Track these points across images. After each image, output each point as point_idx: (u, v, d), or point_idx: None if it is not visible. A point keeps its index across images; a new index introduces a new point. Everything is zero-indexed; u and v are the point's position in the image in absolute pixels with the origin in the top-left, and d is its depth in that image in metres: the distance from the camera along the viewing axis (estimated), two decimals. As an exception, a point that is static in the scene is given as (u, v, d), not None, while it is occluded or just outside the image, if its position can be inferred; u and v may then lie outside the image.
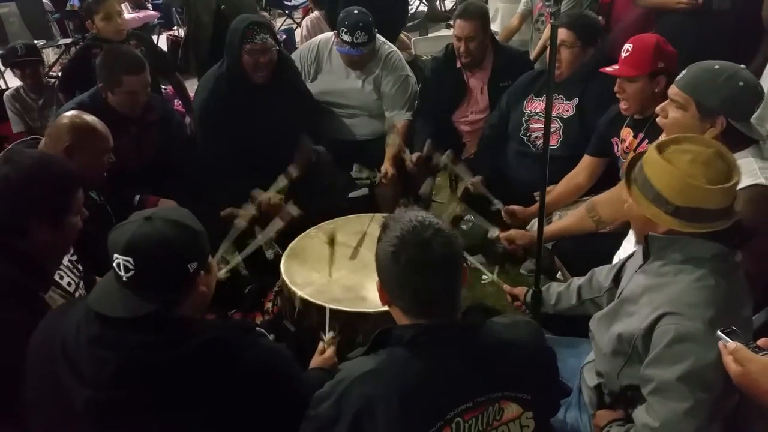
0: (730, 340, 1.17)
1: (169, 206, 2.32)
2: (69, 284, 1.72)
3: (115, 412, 1.16)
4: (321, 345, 1.82)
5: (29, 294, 1.52)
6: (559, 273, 2.46)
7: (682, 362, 1.29)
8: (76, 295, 1.73)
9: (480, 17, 2.97)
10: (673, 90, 1.79)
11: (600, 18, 3.09)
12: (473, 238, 3.27)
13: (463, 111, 3.21)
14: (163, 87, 3.99)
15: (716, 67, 1.73)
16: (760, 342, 1.15)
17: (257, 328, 1.40)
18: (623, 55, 2.22)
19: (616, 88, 2.27)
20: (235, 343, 1.24)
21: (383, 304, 1.29)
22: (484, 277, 2.30)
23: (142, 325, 1.18)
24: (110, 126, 2.16)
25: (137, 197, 2.53)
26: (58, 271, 1.69)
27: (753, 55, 2.76)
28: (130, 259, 1.18)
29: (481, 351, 1.22)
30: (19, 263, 1.51)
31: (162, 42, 6.15)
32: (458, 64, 3.10)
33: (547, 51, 2.62)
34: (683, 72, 1.79)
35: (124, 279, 1.19)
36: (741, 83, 1.69)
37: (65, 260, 1.74)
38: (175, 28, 6.73)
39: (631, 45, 2.20)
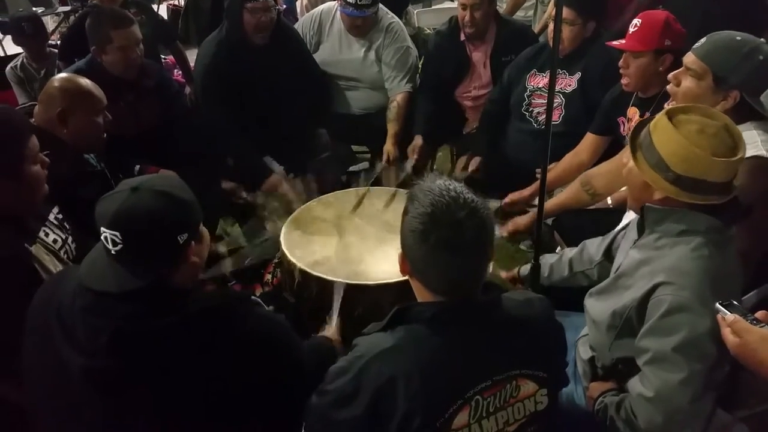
0: (729, 313, 1.18)
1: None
2: (55, 241, 1.71)
3: (110, 381, 1.15)
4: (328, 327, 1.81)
5: (15, 248, 1.52)
6: (558, 248, 2.45)
7: (677, 333, 1.30)
8: (62, 251, 1.72)
9: None
10: (689, 58, 1.75)
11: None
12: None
13: (466, 86, 3.18)
14: (163, 57, 3.95)
15: (738, 38, 1.70)
16: (759, 315, 1.16)
17: (253, 297, 1.40)
18: (631, 29, 2.19)
19: (620, 63, 2.24)
20: (232, 312, 1.23)
21: (403, 275, 1.25)
22: None
23: (133, 295, 1.16)
24: (106, 91, 2.15)
25: (137, 167, 2.52)
26: (44, 228, 1.68)
27: (760, 34, 2.71)
28: (117, 233, 1.15)
29: (499, 329, 1.22)
30: None
31: (162, 11, 6.07)
32: (462, 38, 3.07)
33: (549, 27, 2.62)
34: (702, 40, 1.75)
35: (113, 252, 1.17)
36: (761, 57, 1.66)
37: (51, 217, 1.74)
38: (177, -2, 6.64)
39: (640, 20, 2.18)
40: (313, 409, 1.20)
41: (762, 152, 1.67)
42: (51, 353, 1.19)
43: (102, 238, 1.18)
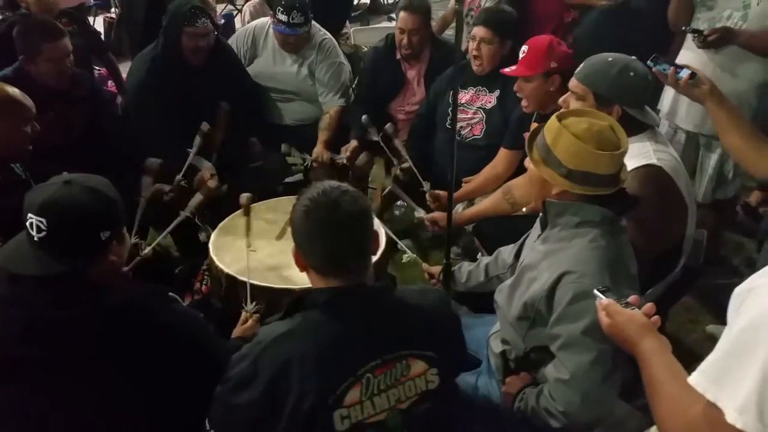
0: (604, 297, 1.31)
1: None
2: None
3: (23, 370, 1.17)
4: (243, 315, 1.88)
5: None
6: (479, 254, 2.58)
7: (584, 318, 1.42)
8: None
9: (423, 11, 3.10)
10: (572, 82, 1.94)
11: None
12: (404, 223, 3.38)
13: (400, 101, 3.31)
14: (96, 69, 3.92)
15: (609, 59, 1.89)
16: (630, 299, 1.30)
17: (171, 294, 1.44)
18: (521, 55, 2.37)
19: (515, 87, 2.43)
20: (148, 304, 1.27)
21: (300, 270, 1.35)
22: (405, 256, 2.40)
23: (51, 284, 1.19)
24: (35, 100, 2.14)
25: (65, 174, 2.50)
26: None
27: (666, 53, 2.94)
28: (43, 220, 1.19)
29: (390, 312, 1.32)
30: None
31: (99, 24, 5.99)
32: (398, 56, 3.20)
33: (470, 46, 2.77)
34: (581, 65, 1.94)
35: (35, 239, 1.20)
36: (632, 73, 1.85)
37: None
38: (113, 9, 6.55)
39: (527, 47, 2.37)
40: (216, 397, 1.25)
41: (653, 161, 1.85)
42: None
43: (27, 224, 1.20)
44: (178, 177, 2.62)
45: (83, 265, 1.24)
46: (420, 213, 2.60)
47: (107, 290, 1.25)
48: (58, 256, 1.21)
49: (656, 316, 1.25)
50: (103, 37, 4.63)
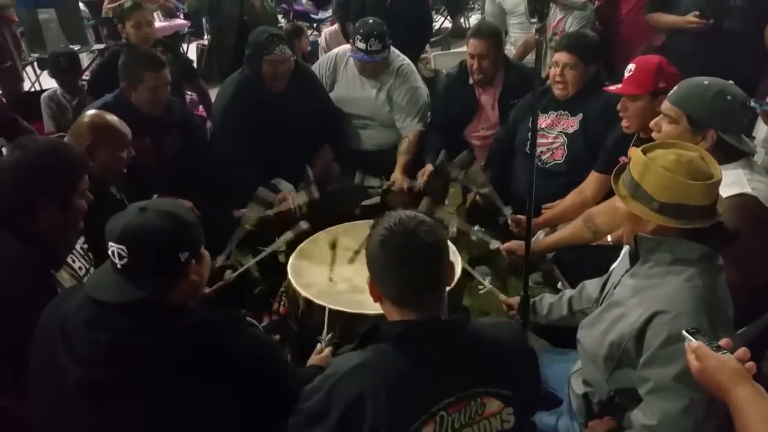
0: (693, 339, 1.23)
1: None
2: (80, 268, 1.81)
3: (106, 391, 1.22)
4: (319, 345, 1.89)
5: (41, 272, 1.61)
6: (560, 283, 2.50)
7: (677, 362, 1.33)
8: (85, 279, 1.81)
9: (492, 36, 3.08)
10: (665, 105, 1.86)
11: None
12: (479, 249, 3.33)
13: (475, 126, 3.29)
14: (188, 93, 4.14)
15: (705, 82, 1.80)
16: (722, 342, 1.21)
17: (248, 318, 1.47)
18: (626, 74, 2.28)
19: (619, 106, 2.32)
20: (224, 330, 1.30)
21: (375, 301, 1.35)
22: (480, 286, 2.36)
23: (133, 309, 1.24)
24: (132, 126, 2.27)
25: (155, 197, 2.64)
26: (71, 255, 1.78)
27: (761, 77, 2.79)
28: (123, 247, 1.24)
29: (464, 347, 1.28)
30: (31, 243, 1.61)
31: (192, 50, 6.33)
32: (471, 81, 3.19)
33: (552, 71, 2.72)
34: (675, 88, 1.86)
35: (118, 266, 1.26)
36: (729, 97, 1.76)
37: (77, 246, 1.84)
38: (205, 37, 6.91)
39: (634, 65, 2.27)
40: (289, 429, 1.25)
41: (747, 190, 1.75)
42: (52, 365, 1.26)
43: (109, 252, 1.27)
44: (270, 213, 2.74)
45: (166, 287, 1.30)
46: (495, 244, 2.55)
47: (188, 315, 1.29)
48: (141, 280, 1.26)
49: (751, 362, 1.16)
50: (195, 63, 4.92)
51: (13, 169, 1.63)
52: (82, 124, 2.15)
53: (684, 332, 1.26)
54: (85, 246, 1.90)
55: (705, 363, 1.19)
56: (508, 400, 1.28)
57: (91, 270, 1.87)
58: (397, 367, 1.22)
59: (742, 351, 1.18)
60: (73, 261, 1.80)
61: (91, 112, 2.25)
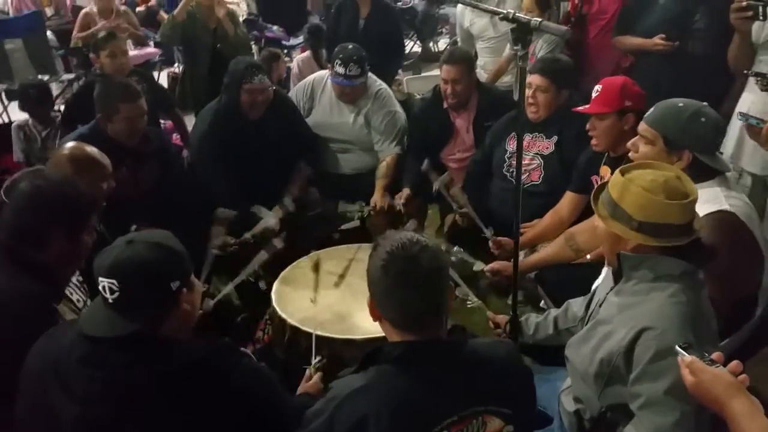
0: (687, 354, 1.26)
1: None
2: (78, 301, 1.80)
3: (103, 428, 1.20)
4: (307, 372, 1.88)
5: (46, 305, 1.60)
6: (543, 302, 2.53)
7: (666, 376, 1.36)
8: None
9: (465, 61, 3.14)
10: (642, 126, 1.92)
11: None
12: (461, 269, 3.35)
13: (450, 149, 3.34)
14: (162, 122, 4.11)
15: (680, 104, 1.86)
16: (714, 356, 1.24)
17: (242, 349, 1.46)
18: (593, 95, 2.36)
19: (588, 126, 2.39)
20: (220, 364, 1.29)
21: (374, 320, 1.35)
22: (468, 302, 2.37)
23: (127, 344, 1.23)
24: (109, 157, 2.26)
25: (134, 227, 2.61)
26: (68, 288, 1.77)
27: (725, 96, 2.89)
28: (114, 281, 1.24)
29: (463, 367, 1.30)
30: (35, 273, 1.60)
31: (163, 78, 6.30)
32: (445, 105, 3.24)
33: (526, 93, 2.78)
34: (651, 109, 1.92)
35: (110, 301, 1.25)
36: (703, 119, 1.83)
37: (74, 279, 1.83)
38: (176, 65, 6.88)
39: (601, 86, 2.35)
40: None
41: (725, 206, 1.80)
42: (44, 407, 1.24)
43: (100, 288, 1.26)
44: (248, 236, 2.73)
45: (159, 318, 1.29)
46: (479, 266, 2.57)
47: (182, 348, 1.28)
48: (134, 312, 1.25)
49: (744, 375, 1.19)
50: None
51: (34, 196, 1.64)
52: (61, 156, 2.14)
53: (677, 347, 1.29)
54: (80, 279, 1.89)
55: (700, 377, 1.21)
56: (508, 419, 1.29)
57: (88, 302, 1.85)
58: (399, 388, 1.23)
59: (735, 364, 1.21)
60: (71, 293, 1.78)
61: (70, 144, 2.24)
